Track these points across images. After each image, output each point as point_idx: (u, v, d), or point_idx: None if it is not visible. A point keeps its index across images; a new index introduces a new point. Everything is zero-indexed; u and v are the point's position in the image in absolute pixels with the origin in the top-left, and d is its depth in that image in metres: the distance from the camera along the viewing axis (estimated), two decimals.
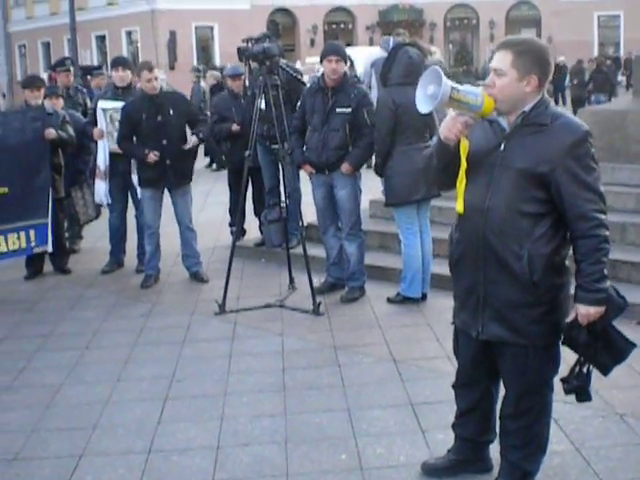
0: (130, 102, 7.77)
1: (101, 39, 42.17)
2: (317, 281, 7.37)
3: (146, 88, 7.60)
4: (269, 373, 5.62)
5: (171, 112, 7.64)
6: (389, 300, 7.00)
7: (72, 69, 9.98)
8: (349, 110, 6.82)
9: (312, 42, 42.12)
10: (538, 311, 3.53)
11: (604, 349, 3.55)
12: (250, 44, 7.04)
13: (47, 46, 44.53)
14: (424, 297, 6.99)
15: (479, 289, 3.62)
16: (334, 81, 6.90)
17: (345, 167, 6.84)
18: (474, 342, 3.75)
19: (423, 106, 3.49)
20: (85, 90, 10.55)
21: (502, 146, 3.52)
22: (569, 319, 3.56)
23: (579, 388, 3.65)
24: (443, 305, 6.83)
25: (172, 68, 37.93)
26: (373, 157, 7.06)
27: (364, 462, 4.33)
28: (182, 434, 4.78)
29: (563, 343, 3.64)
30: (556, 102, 24.18)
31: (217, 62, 38.24)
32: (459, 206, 3.62)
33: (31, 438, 4.86)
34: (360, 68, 13.20)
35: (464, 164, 3.55)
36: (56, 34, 41.75)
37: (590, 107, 17.74)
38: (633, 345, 3.58)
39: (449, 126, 3.52)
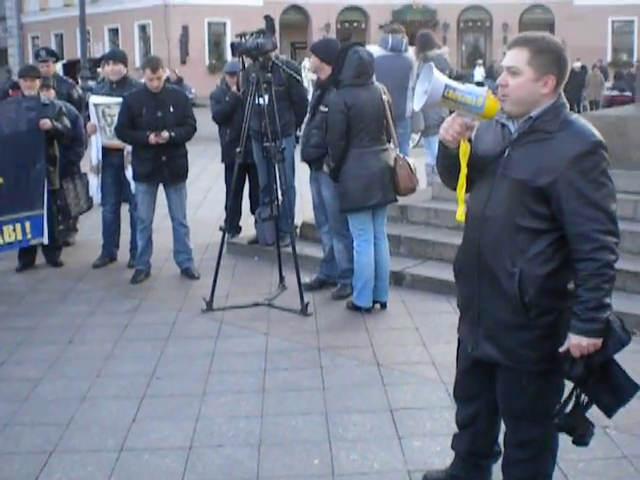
0: (132, 93, 7.70)
1: (114, 32, 42.22)
2: (309, 279, 7.32)
3: (148, 85, 7.53)
4: (250, 373, 5.55)
5: (171, 109, 7.57)
6: (347, 305, 6.86)
7: (51, 59, 9.74)
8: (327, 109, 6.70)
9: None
10: (531, 335, 3.25)
11: (604, 387, 3.23)
12: (244, 39, 6.96)
13: (60, 38, 44.63)
14: (383, 306, 6.83)
15: (475, 303, 3.40)
16: (320, 79, 6.87)
17: (325, 167, 6.74)
18: (470, 356, 3.52)
19: (417, 103, 3.34)
20: (71, 81, 10.37)
21: (506, 152, 3.27)
22: (562, 348, 3.20)
23: (571, 427, 3.31)
24: (432, 309, 6.79)
25: (184, 62, 37.96)
26: None
27: (337, 468, 4.25)
28: (156, 433, 4.71)
29: (558, 374, 3.33)
30: None
31: (228, 58, 38.24)
32: (459, 214, 3.41)
33: (4, 432, 4.81)
34: None
35: (464, 169, 3.33)
36: (69, 26, 41.78)
37: (590, 112, 17.65)
38: (637, 387, 3.26)
39: (446, 127, 3.30)
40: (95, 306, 7.19)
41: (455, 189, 3.44)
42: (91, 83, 22.12)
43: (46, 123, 7.91)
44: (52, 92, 8.62)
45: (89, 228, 9.52)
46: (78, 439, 4.69)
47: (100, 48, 39.94)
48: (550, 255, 3.19)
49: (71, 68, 28.16)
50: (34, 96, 8.12)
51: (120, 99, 7.78)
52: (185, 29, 38.86)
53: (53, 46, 44.04)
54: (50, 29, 44.89)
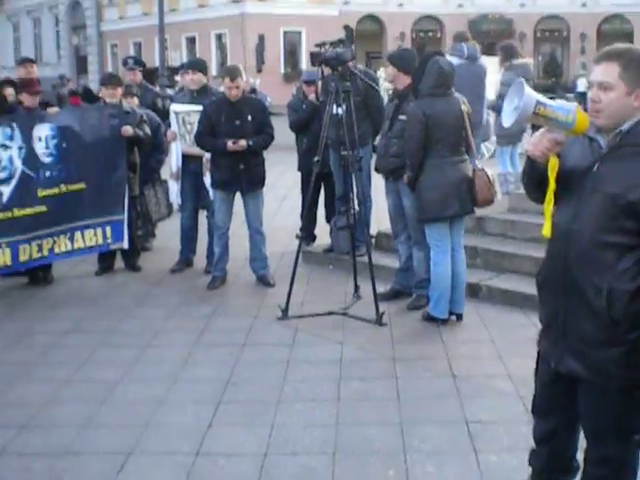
0: (211, 102, 7.80)
1: (191, 41, 42.78)
2: (384, 289, 7.31)
3: (227, 94, 7.61)
4: (325, 382, 5.56)
5: (249, 118, 7.64)
6: (423, 316, 6.83)
7: (137, 68, 9.99)
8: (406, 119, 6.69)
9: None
10: (618, 351, 3.16)
11: None
12: (323, 49, 7.00)
13: (139, 46, 45.37)
14: (459, 317, 6.77)
15: (559, 318, 3.33)
16: (397, 89, 6.87)
17: (405, 177, 6.72)
18: (552, 371, 3.44)
19: (506, 119, 3.30)
20: (156, 90, 10.58)
21: (596, 167, 3.20)
22: None
23: None
24: (508, 322, 6.72)
25: (259, 71, 38.26)
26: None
27: (412, 479, 4.23)
28: (231, 439, 4.75)
29: None
30: None
31: (303, 67, 38.46)
32: (546, 229, 3.34)
33: (82, 433, 4.90)
34: None
35: (552, 185, 3.26)
36: (147, 34, 42.49)
37: None
38: None
39: (535, 142, 3.25)
40: (172, 311, 7.29)
41: (540, 202, 3.39)
42: (169, 91, 22.49)
43: (128, 130, 8.07)
44: (135, 100, 8.78)
45: (166, 234, 9.65)
46: (155, 442, 4.76)
47: (177, 56, 40.53)
48: (639, 270, 3.12)
49: (149, 76, 28.62)
50: (116, 104, 8.29)
51: (200, 107, 7.89)
52: (261, 38, 39.20)
53: (131, 54, 44.90)
54: (129, 37, 45.70)
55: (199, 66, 8.44)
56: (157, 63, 37.87)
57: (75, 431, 4.92)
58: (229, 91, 7.59)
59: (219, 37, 41.92)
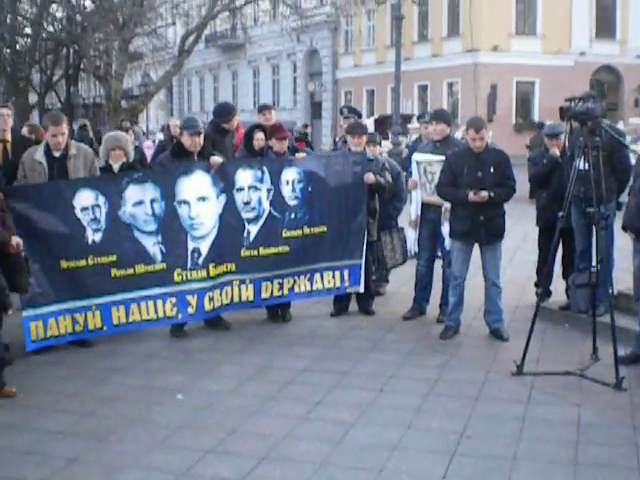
0: (455, 152, 7.88)
1: (423, 89, 43.27)
2: (624, 352, 7.04)
3: (471, 145, 7.65)
4: (561, 444, 5.40)
5: (492, 169, 7.64)
6: None
7: (352, 116, 10.30)
8: None
9: (636, 102, 40.49)
10: None
11: None
12: (573, 103, 6.90)
13: (371, 93, 46.43)
14: None
15: None
16: None
17: None
18: None
19: None
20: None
21: None
22: None
23: None
24: None
25: (490, 121, 38.04)
26: None
27: None
28: None
29: None
30: None
31: (536, 118, 37.92)
32: None
33: (319, 471, 5.04)
34: None
35: None
36: (380, 82, 43.44)
37: None
38: None
39: None
40: (404, 357, 7.35)
41: None
42: (401, 139, 22.92)
43: (370, 177, 8.29)
44: (377, 148, 9.00)
45: (399, 280, 9.77)
46: None
47: (409, 104, 41.12)
48: None
49: (381, 123, 29.22)
50: (361, 151, 8.52)
51: (442, 157, 7.98)
52: (493, 88, 39.05)
53: (364, 101, 46.05)
54: (362, 85, 46.87)
55: (444, 117, 8.53)
56: (389, 111, 38.71)
57: (312, 469, 5.06)
58: (473, 142, 7.63)
59: (450, 85, 42.16)
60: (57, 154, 7.66)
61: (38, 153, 7.66)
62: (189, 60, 32.14)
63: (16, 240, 6.79)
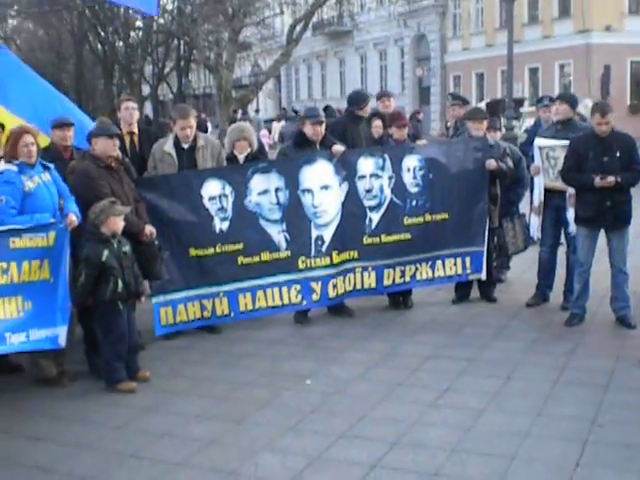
0: (579, 137, 7.73)
1: (533, 71, 42.47)
2: None
3: (596, 130, 7.51)
4: None
5: (618, 154, 7.47)
6: None
7: (457, 102, 10.20)
8: None
9: None
10: None
11: None
12: None
13: (481, 77, 45.79)
14: None
15: None
16: None
17: None
18: None
19: None
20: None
21: None
22: None
23: None
24: None
25: None
26: None
27: None
28: None
29: None
30: None
31: None
32: None
33: (451, 457, 5.08)
34: None
35: None
36: (490, 66, 42.80)
37: None
38: None
39: None
40: (529, 345, 7.30)
41: None
42: (514, 123, 22.55)
43: (492, 163, 8.24)
44: (498, 133, 8.93)
45: (520, 266, 9.68)
46: (524, 474, 4.83)
47: (520, 88, 40.39)
48: None
49: (493, 107, 28.79)
50: (482, 137, 8.48)
51: (565, 142, 7.86)
52: (607, 68, 37.99)
53: (473, 85, 45.47)
54: (471, 69, 46.23)
55: (569, 98, 8.38)
56: (499, 95, 38.16)
57: (444, 455, 5.11)
58: (599, 127, 7.48)
59: (562, 67, 41.24)
60: (186, 145, 7.88)
61: (168, 145, 7.90)
62: (297, 48, 32.20)
63: (150, 229, 7.06)
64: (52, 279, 6.31)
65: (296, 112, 27.48)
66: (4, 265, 6.04)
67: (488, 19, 44.44)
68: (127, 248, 6.60)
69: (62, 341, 6.37)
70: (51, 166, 6.64)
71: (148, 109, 49.01)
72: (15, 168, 6.35)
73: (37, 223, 6.27)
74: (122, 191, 6.98)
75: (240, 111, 29.49)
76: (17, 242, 6.12)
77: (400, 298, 8.61)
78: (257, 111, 46.60)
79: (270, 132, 28.90)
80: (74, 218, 6.45)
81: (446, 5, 45.63)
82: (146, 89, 47.91)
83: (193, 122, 7.86)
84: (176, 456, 5.27)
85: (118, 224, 6.52)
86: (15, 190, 6.29)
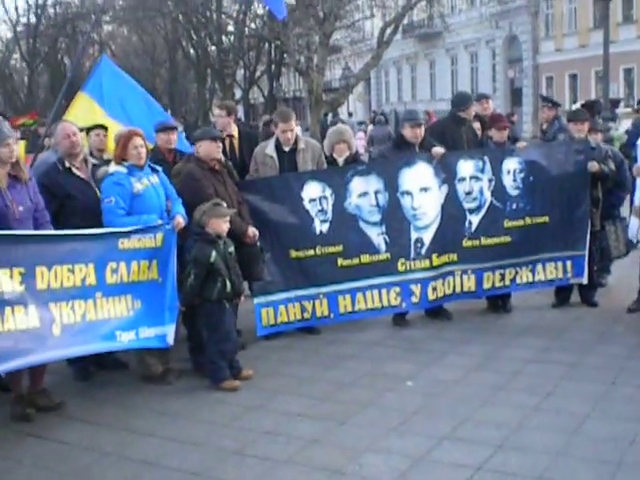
0: None
1: (628, 72, 41.57)
2: None
3: None
4: None
5: None
6: None
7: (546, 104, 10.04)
8: None
9: None
10: None
11: None
12: None
13: (574, 78, 45.01)
14: None
15: None
16: None
17: None
18: None
19: None
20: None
21: None
22: None
23: None
24: None
25: None
26: None
27: None
28: None
29: None
30: None
31: None
32: None
33: (556, 461, 5.04)
34: None
35: None
36: (584, 66, 42.04)
37: None
38: None
39: None
40: (633, 350, 7.16)
41: None
42: (611, 124, 22.11)
43: (594, 166, 8.13)
44: (599, 136, 8.80)
45: (622, 270, 9.50)
46: None
47: (615, 89, 39.56)
48: None
49: (589, 109, 28.27)
50: (583, 139, 8.37)
51: None
52: None
53: (566, 87, 44.71)
54: (564, 70, 45.47)
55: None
56: (593, 96, 37.44)
57: (549, 459, 5.08)
58: None
59: None
60: (287, 148, 8.00)
61: (269, 147, 8.03)
62: (387, 51, 32.21)
63: (253, 230, 7.19)
64: (160, 279, 6.50)
65: (384, 116, 27.40)
66: (114, 265, 6.23)
67: (581, 19, 43.64)
68: (232, 249, 6.74)
69: (170, 339, 6.55)
70: (159, 169, 6.82)
71: (240, 112, 49.67)
72: (125, 170, 6.56)
73: (144, 224, 6.46)
74: (226, 193, 7.13)
75: (330, 114, 29.66)
76: (126, 243, 6.31)
77: (499, 301, 8.56)
78: (350, 114, 46.73)
79: (366, 134, 28.91)
80: (181, 220, 6.62)
81: (538, 5, 44.96)
82: (238, 93, 48.57)
83: (294, 126, 7.98)
84: (281, 454, 5.36)
85: (222, 226, 6.66)
86: (124, 191, 6.49)
